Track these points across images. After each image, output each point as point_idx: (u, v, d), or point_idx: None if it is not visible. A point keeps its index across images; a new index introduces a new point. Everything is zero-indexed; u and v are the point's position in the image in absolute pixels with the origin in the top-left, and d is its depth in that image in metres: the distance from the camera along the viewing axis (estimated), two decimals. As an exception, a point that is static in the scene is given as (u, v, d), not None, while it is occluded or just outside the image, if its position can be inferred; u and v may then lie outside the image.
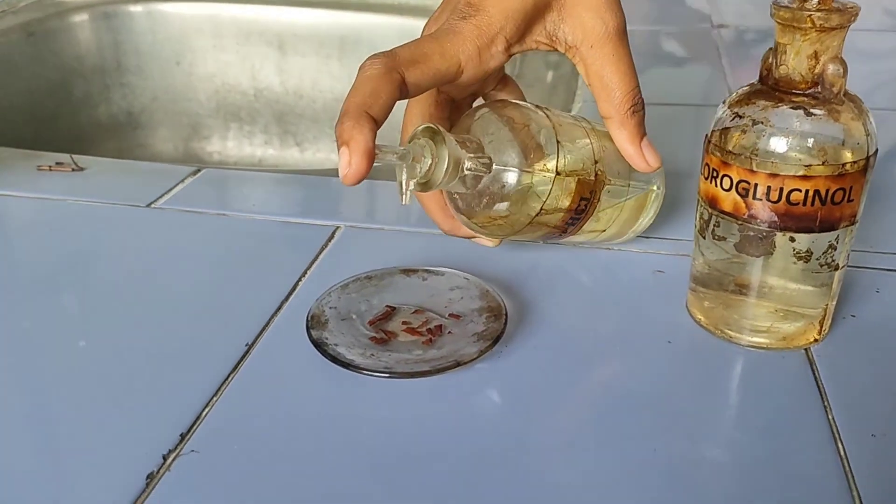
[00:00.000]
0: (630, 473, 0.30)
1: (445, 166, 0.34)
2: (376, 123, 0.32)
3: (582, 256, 0.45)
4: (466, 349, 0.35)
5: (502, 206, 0.37)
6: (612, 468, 0.30)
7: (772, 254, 0.35)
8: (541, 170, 0.37)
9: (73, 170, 0.56)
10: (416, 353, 0.35)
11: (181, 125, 1.00)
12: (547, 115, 0.38)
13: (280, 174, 0.57)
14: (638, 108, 0.38)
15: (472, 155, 0.35)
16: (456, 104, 0.41)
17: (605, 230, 0.43)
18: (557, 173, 0.37)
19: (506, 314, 0.37)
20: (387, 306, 0.39)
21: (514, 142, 0.36)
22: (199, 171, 0.56)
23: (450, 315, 0.38)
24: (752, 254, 0.35)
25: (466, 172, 0.35)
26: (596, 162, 0.39)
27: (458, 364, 0.34)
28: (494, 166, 0.36)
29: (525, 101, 0.43)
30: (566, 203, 0.38)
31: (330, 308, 0.38)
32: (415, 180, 0.34)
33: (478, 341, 0.36)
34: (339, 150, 0.31)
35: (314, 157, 0.98)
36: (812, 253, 0.35)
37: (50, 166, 0.56)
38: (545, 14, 0.37)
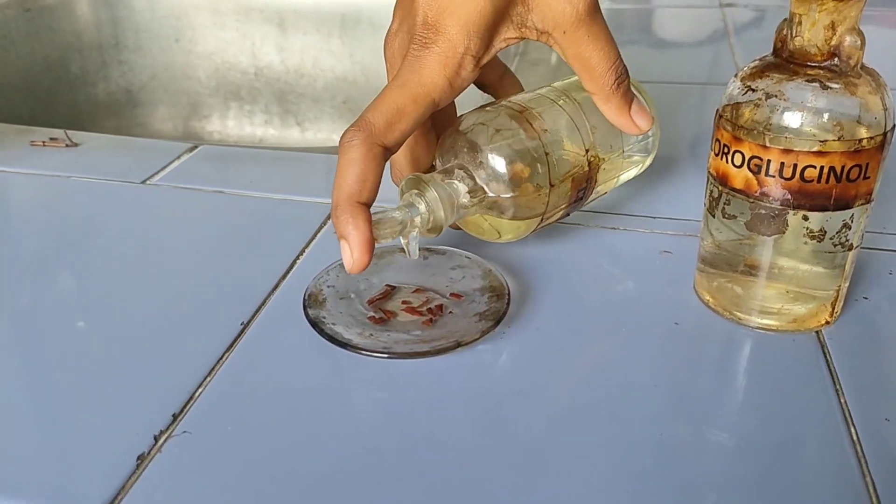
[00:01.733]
0: (635, 458, 0.29)
1: (442, 210, 0.35)
2: (369, 206, 0.33)
3: (586, 237, 0.44)
4: (468, 329, 0.34)
5: (504, 223, 0.38)
6: (617, 452, 0.29)
7: (784, 233, 0.34)
8: (534, 190, 0.37)
9: (67, 145, 0.55)
10: (415, 334, 0.34)
11: (181, 104, 0.99)
12: (530, 123, 0.37)
13: (278, 151, 0.56)
14: (622, 79, 0.37)
15: (465, 189, 0.36)
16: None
17: (606, 192, 0.44)
18: (551, 185, 0.37)
19: (508, 294, 0.36)
20: (386, 285, 0.38)
21: (503, 163, 0.36)
22: (195, 147, 0.55)
23: (451, 295, 0.37)
24: (764, 233, 0.34)
25: (462, 210, 0.36)
26: (587, 150, 0.38)
27: (458, 345, 0.33)
28: (489, 194, 0.36)
29: (505, 68, 0.42)
30: (565, 202, 0.39)
31: (328, 287, 0.37)
32: (415, 232, 0.35)
33: (479, 321, 0.35)
34: (339, 242, 0.33)
35: (315, 138, 0.97)
36: (825, 232, 0.34)
37: (44, 142, 0.55)
38: (509, 10, 0.35)
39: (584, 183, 0.39)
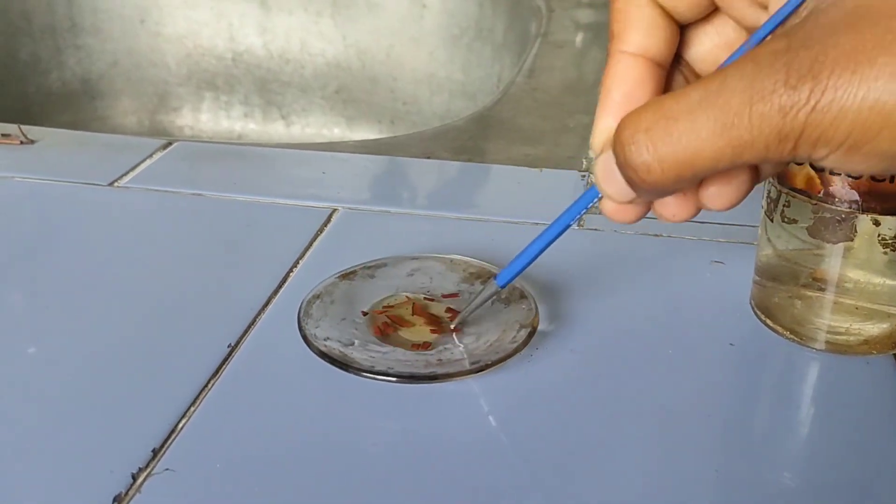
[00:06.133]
0: (688, 497, 0.30)
1: None
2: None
3: (623, 245, 0.45)
4: (501, 333, 0.35)
5: None
6: (667, 491, 0.30)
7: (852, 240, 0.35)
8: None
9: (21, 142, 0.56)
10: (457, 350, 0.35)
11: (146, 95, 1.00)
12: None
13: (266, 148, 0.57)
14: None
15: None
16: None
17: None
18: None
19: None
20: (383, 308, 0.38)
21: None
22: (169, 144, 0.56)
23: (443, 296, 0.39)
24: (829, 240, 0.35)
25: None
26: None
27: (507, 356, 0.34)
28: None
29: None
30: None
31: (315, 326, 0.37)
32: None
33: (502, 311, 0.36)
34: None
35: (302, 133, 0.98)
36: (901, 239, 0.34)
37: (-5, 139, 0.56)
38: None
39: None
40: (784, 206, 0.36)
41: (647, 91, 0.27)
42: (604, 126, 0.27)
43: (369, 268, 0.40)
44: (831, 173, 0.34)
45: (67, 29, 0.97)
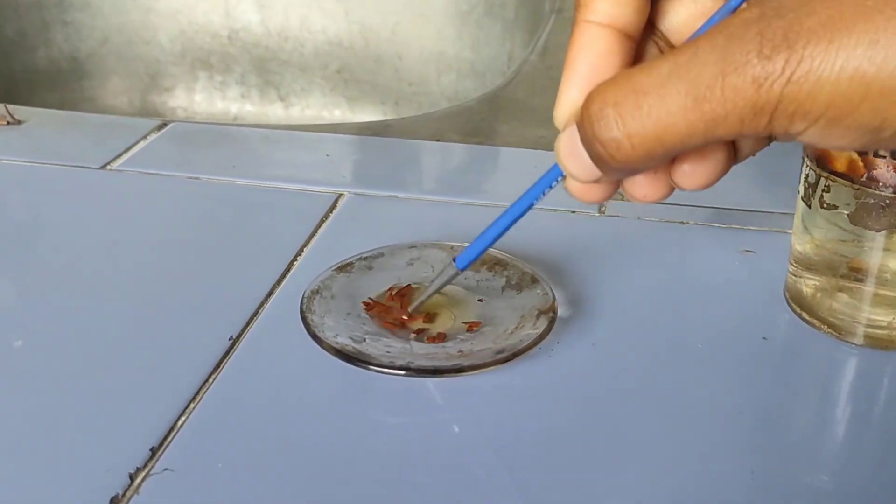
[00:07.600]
0: (722, 500, 0.29)
1: None
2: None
3: (648, 233, 0.44)
4: (520, 320, 0.35)
5: None
6: (699, 493, 0.29)
7: (896, 228, 0.34)
8: None
9: (8, 123, 0.56)
10: (477, 341, 0.35)
11: (137, 74, 0.99)
12: None
13: (268, 129, 0.56)
14: None
15: None
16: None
17: None
18: None
19: (513, 261, 0.38)
20: (392, 292, 0.38)
21: None
22: (164, 124, 0.56)
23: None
24: (872, 227, 0.34)
25: None
26: None
27: (532, 344, 0.34)
28: None
29: None
30: None
31: (318, 316, 0.36)
32: None
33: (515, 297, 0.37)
34: None
35: (301, 115, 0.98)
36: (949, 227, 0.34)
37: (-20, 118, 0.56)
38: None
39: None
40: (823, 190, 0.35)
41: (615, 63, 0.26)
42: (567, 99, 0.26)
43: (366, 259, 0.39)
44: (875, 155, 0.33)
45: (55, 4, 0.96)
